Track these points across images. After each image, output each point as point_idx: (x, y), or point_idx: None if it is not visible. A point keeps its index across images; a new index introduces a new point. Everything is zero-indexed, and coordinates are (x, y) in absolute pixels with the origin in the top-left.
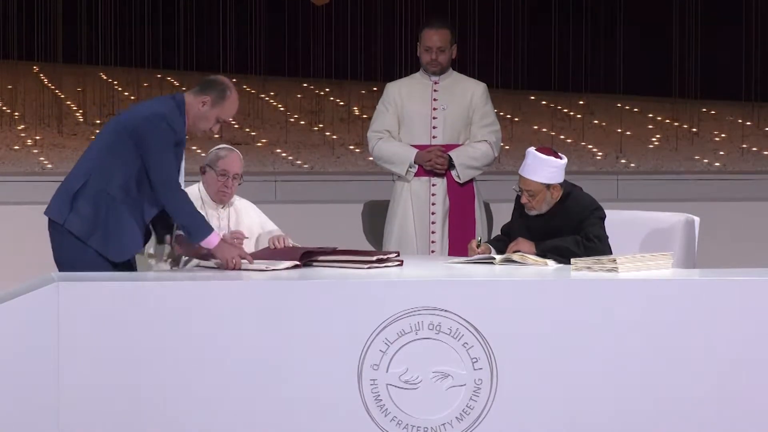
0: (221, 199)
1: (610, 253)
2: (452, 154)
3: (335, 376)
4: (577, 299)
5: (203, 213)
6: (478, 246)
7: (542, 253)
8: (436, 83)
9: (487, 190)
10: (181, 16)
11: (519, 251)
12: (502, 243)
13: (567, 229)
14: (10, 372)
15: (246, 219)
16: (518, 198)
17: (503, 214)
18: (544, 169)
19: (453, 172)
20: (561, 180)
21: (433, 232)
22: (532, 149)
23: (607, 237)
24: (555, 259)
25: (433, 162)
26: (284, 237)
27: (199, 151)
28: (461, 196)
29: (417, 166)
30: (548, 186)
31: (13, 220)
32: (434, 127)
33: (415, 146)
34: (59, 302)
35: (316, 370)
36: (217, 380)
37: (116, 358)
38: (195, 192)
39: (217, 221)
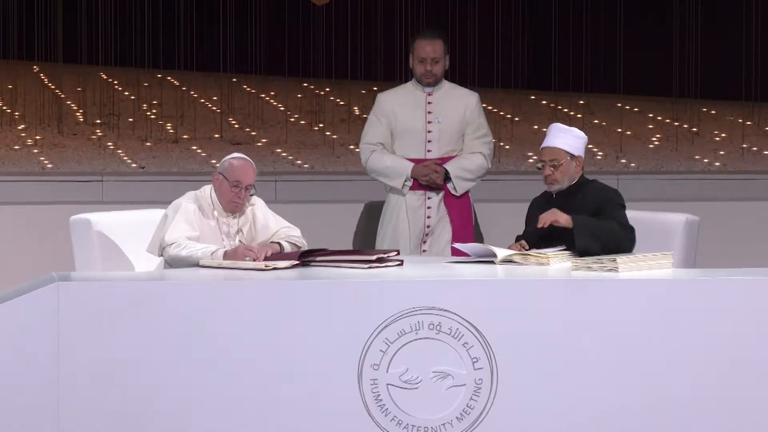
0: (233, 209)
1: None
2: (447, 166)
3: (335, 376)
4: (577, 299)
5: (214, 219)
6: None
7: (578, 227)
8: (429, 95)
9: (489, 190)
10: (181, 16)
11: (554, 222)
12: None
13: (588, 206)
14: (10, 372)
15: (256, 229)
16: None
17: (504, 215)
18: (568, 137)
19: (449, 185)
20: (582, 155)
21: (424, 242)
22: (553, 124)
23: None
24: (565, 251)
25: (430, 177)
26: (270, 249)
27: (199, 150)
28: (458, 209)
29: (413, 180)
30: (572, 156)
31: (13, 220)
32: (429, 141)
33: (410, 160)
34: (59, 302)
35: (316, 370)
36: (216, 380)
37: (116, 358)
38: (206, 196)
39: (226, 227)
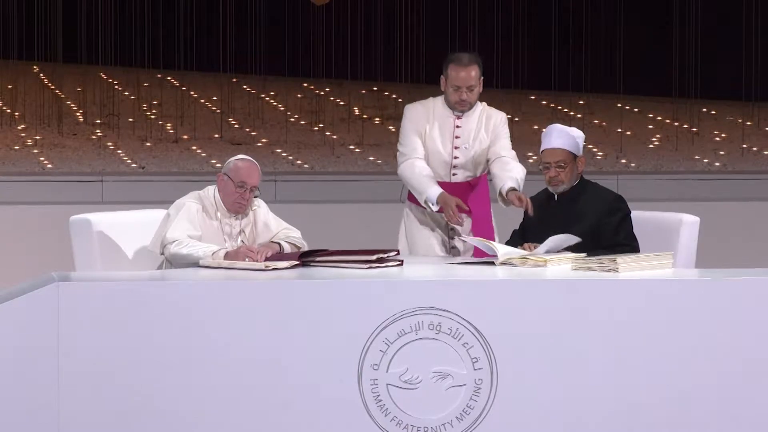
0: (237, 210)
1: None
2: (512, 183)
3: (335, 376)
4: (577, 299)
5: (216, 220)
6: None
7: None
8: (458, 118)
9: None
10: (181, 16)
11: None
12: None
13: (592, 212)
14: (10, 372)
15: (257, 230)
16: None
17: (504, 214)
18: (570, 138)
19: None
20: (581, 153)
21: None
22: (552, 125)
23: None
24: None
25: (451, 220)
26: (270, 249)
27: (199, 151)
28: (480, 209)
29: (438, 205)
30: (575, 157)
31: (13, 220)
32: (454, 166)
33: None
34: (59, 302)
35: (316, 370)
36: (217, 380)
37: (116, 358)
38: (210, 197)
39: (229, 228)
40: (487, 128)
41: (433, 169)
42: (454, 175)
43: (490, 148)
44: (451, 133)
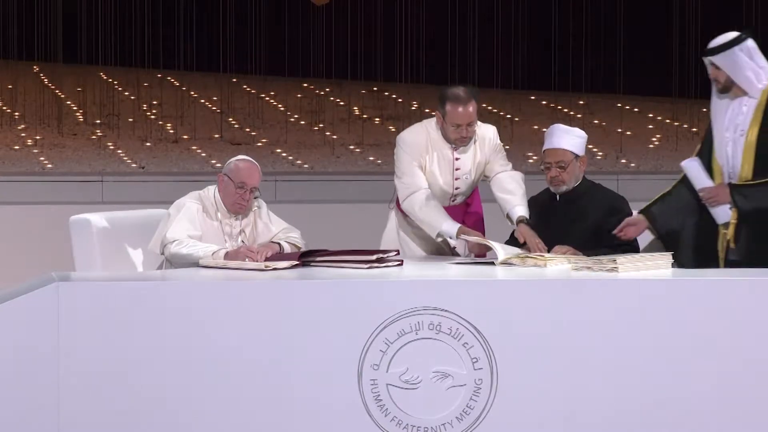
0: (237, 210)
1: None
2: (523, 212)
3: (335, 376)
4: (577, 299)
5: (217, 220)
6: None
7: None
8: (455, 149)
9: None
10: (181, 16)
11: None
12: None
13: (593, 212)
14: (10, 372)
15: (257, 230)
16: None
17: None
18: (572, 138)
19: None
20: (584, 154)
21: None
22: (554, 125)
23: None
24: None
25: (473, 252)
26: (269, 249)
27: (199, 150)
28: (478, 217)
29: (454, 238)
30: (576, 157)
31: (13, 220)
32: (455, 195)
33: None
34: (59, 302)
35: (316, 370)
36: (217, 380)
37: (116, 358)
38: (210, 197)
39: (229, 228)
40: (483, 151)
41: (434, 196)
42: (453, 201)
43: (487, 165)
44: (450, 166)
